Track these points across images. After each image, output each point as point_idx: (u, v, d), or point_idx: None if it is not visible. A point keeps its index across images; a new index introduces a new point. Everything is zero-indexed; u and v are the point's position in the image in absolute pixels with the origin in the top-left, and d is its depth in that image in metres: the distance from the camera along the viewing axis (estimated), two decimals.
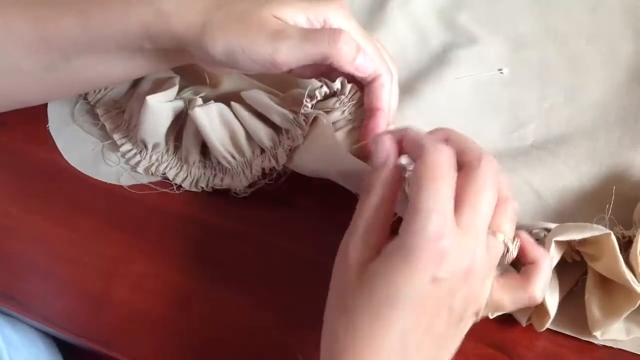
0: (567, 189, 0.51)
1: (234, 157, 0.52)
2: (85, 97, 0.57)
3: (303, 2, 0.46)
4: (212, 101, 0.52)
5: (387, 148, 0.41)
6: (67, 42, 0.47)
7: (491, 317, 0.45)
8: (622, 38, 0.59)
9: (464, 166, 0.40)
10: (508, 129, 0.55)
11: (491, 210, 0.40)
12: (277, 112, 0.50)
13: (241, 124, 0.51)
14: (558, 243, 0.45)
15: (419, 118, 0.55)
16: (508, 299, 0.42)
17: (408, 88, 0.56)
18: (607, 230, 0.44)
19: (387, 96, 0.48)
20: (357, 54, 0.46)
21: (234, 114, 0.51)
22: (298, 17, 0.46)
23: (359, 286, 0.39)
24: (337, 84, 0.49)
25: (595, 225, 0.45)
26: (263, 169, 0.52)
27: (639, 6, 0.60)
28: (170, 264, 0.51)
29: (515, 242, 0.42)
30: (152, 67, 0.50)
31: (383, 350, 0.38)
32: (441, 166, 0.38)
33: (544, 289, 0.43)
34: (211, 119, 0.51)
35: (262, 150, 0.52)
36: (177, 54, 0.48)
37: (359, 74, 0.47)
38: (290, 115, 0.50)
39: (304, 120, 0.49)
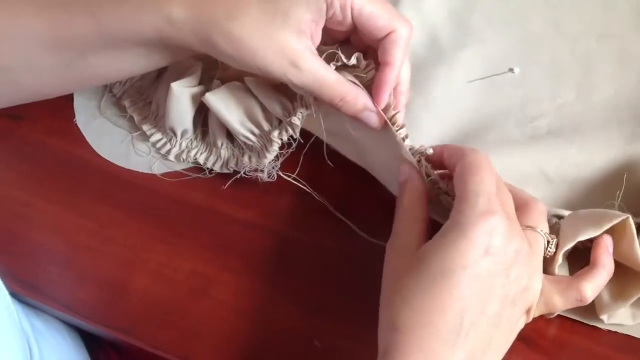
0: (580, 177, 0.52)
1: (253, 133, 0.52)
2: (110, 89, 0.58)
3: None
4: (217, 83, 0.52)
5: (405, 166, 0.46)
6: (82, 43, 0.47)
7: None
8: (632, 36, 0.59)
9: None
10: (521, 124, 0.55)
11: None
12: None
13: (256, 98, 0.51)
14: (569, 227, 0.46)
15: (429, 117, 0.55)
16: (559, 298, 0.44)
17: (418, 87, 0.56)
18: (625, 215, 0.45)
19: (399, 52, 0.47)
20: (362, 111, 0.47)
21: (248, 89, 0.51)
22: (304, 15, 0.45)
23: (413, 265, 0.41)
24: (352, 60, 0.48)
25: (611, 212, 0.45)
26: (282, 140, 0.51)
27: None
28: (191, 254, 0.52)
29: (553, 238, 0.45)
30: (169, 61, 0.50)
31: (440, 326, 0.39)
32: (481, 161, 0.43)
33: (596, 291, 0.45)
34: (225, 100, 0.51)
35: (280, 122, 0.51)
36: (194, 53, 0.49)
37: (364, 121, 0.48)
38: None
39: None
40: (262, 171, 0.52)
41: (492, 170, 0.43)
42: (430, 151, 0.46)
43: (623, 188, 0.48)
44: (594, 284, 0.44)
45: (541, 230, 0.44)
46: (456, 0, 0.62)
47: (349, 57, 0.47)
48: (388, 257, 0.44)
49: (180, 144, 0.55)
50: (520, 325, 0.43)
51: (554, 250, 0.45)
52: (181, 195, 0.54)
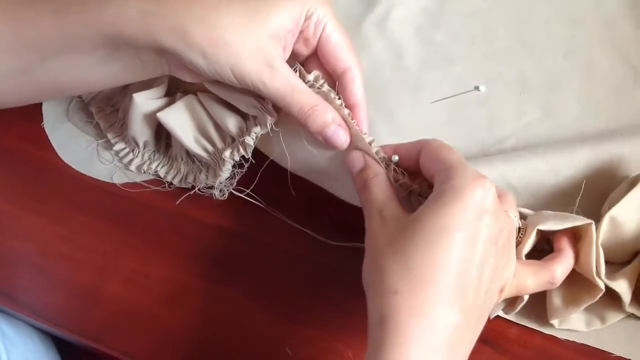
0: (543, 184, 0.51)
1: (206, 151, 0.51)
2: (80, 95, 0.57)
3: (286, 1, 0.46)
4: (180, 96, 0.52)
5: (357, 154, 0.46)
6: (43, 42, 0.46)
7: (492, 316, 0.48)
8: (599, 53, 0.59)
9: None
10: (486, 144, 0.55)
11: None
12: (243, 99, 0.49)
13: (210, 114, 0.51)
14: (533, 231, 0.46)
15: (394, 137, 0.53)
16: (532, 280, 0.44)
17: (383, 108, 0.56)
18: (589, 220, 0.45)
19: (361, 91, 0.48)
20: (330, 125, 0.46)
21: (202, 104, 0.51)
22: (285, 22, 0.46)
23: (407, 229, 0.40)
24: (311, 76, 0.48)
25: (576, 216, 0.46)
26: (234, 160, 0.50)
27: (616, 22, 0.60)
28: (162, 260, 0.52)
29: (524, 225, 0.46)
30: (126, 76, 0.49)
31: (441, 287, 0.38)
32: (443, 142, 0.44)
33: (564, 275, 0.46)
34: (178, 118, 0.50)
35: (234, 140, 0.50)
36: (154, 63, 0.48)
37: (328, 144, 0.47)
38: (257, 103, 0.48)
39: (272, 106, 0.47)
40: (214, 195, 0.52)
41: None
42: (396, 158, 0.46)
43: (581, 194, 0.49)
44: (563, 267, 0.45)
45: (515, 216, 0.44)
46: (422, 18, 0.62)
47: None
48: (374, 228, 0.43)
49: (143, 155, 0.55)
50: (494, 303, 0.43)
51: (524, 236, 0.46)
52: (153, 202, 0.54)
